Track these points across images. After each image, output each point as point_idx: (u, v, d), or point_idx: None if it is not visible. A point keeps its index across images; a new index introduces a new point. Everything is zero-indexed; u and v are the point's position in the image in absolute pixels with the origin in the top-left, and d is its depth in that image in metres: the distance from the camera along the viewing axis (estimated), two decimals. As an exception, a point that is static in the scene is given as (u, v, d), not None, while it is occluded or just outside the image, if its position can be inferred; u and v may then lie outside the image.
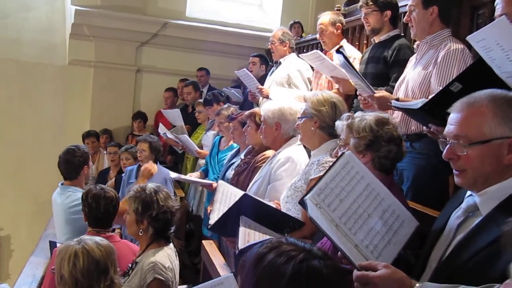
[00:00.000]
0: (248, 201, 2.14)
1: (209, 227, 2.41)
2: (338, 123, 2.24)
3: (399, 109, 2.49)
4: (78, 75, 6.80)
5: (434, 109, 2.00)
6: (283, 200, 2.49)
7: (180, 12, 6.93)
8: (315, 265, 1.08)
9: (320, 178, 1.71)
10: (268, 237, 2.03)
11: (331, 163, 2.30)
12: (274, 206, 2.44)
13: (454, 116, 1.48)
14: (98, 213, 2.86)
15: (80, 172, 3.61)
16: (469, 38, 1.80)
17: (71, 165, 3.57)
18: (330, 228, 1.55)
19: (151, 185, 2.70)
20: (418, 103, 2.13)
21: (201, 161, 5.26)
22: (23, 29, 6.68)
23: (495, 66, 1.76)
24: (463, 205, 1.52)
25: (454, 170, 1.50)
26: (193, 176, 4.84)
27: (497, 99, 1.42)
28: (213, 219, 2.40)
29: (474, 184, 1.46)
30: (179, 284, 4.41)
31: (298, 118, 2.64)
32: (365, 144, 2.04)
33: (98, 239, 2.26)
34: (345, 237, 1.58)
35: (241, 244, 1.87)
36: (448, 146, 1.49)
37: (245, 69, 4.96)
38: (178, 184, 5.28)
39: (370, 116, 2.09)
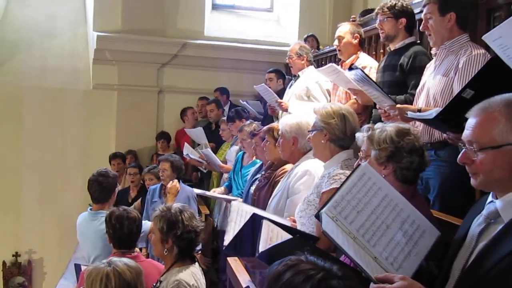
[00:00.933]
0: (258, 219, 2.13)
1: (224, 248, 2.40)
2: (358, 135, 2.22)
3: (416, 119, 2.46)
4: (102, 99, 6.96)
5: (450, 118, 1.97)
6: (297, 215, 2.47)
7: (198, 32, 7.05)
8: (334, 285, 1.04)
9: (337, 190, 1.70)
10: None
11: (342, 175, 2.31)
12: (285, 222, 2.41)
13: (470, 121, 1.48)
14: (122, 234, 2.90)
15: (111, 195, 3.57)
16: (485, 37, 1.78)
17: (104, 188, 3.51)
18: (346, 241, 1.53)
19: (176, 205, 2.75)
20: (432, 113, 2.11)
21: (225, 176, 5.29)
22: (48, 56, 6.91)
23: None
24: (484, 212, 1.49)
25: (470, 174, 1.49)
26: (217, 192, 4.87)
27: (511, 104, 1.40)
28: (228, 239, 2.38)
29: (487, 187, 1.46)
30: (208, 302, 4.43)
31: (309, 131, 2.63)
32: (386, 155, 2.01)
33: (127, 260, 2.32)
34: (363, 250, 1.56)
35: (262, 247, 1.85)
36: (463, 150, 1.48)
37: (263, 84, 4.99)
38: (203, 201, 5.31)
39: (390, 127, 2.07)
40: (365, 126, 2.17)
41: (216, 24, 7.24)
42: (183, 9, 6.98)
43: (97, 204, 3.54)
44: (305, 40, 6.29)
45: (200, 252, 4.64)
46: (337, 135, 2.47)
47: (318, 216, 1.61)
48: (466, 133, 1.47)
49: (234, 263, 3.23)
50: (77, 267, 3.16)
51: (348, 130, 2.47)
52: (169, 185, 4.33)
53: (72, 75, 6.97)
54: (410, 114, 2.49)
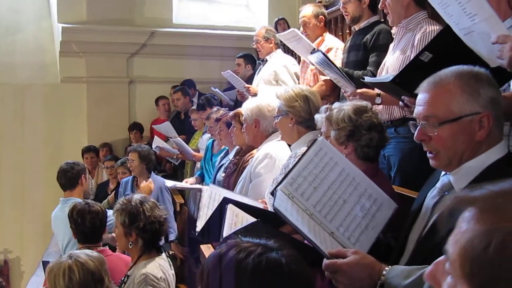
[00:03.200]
0: (229, 203, 2.11)
1: (196, 234, 2.38)
2: (317, 117, 2.21)
3: (372, 84, 2.46)
4: (71, 92, 6.80)
5: (406, 81, 1.96)
6: (267, 196, 2.46)
7: (167, 20, 6.92)
8: (274, 256, 1.10)
9: (293, 167, 1.69)
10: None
11: None
12: (256, 204, 2.40)
13: (422, 97, 1.44)
14: (85, 228, 2.86)
15: (78, 181, 3.74)
16: None
17: (68, 175, 3.73)
18: (301, 218, 1.52)
19: (136, 196, 2.69)
20: (389, 76, 2.10)
21: (199, 165, 5.25)
22: (13, 52, 6.69)
23: (453, 23, 1.71)
24: (438, 184, 1.49)
25: (427, 153, 1.46)
26: (189, 182, 4.85)
27: (464, 75, 1.38)
28: (200, 225, 2.36)
29: (449, 165, 1.42)
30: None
31: (274, 117, 2.63)
32: (346, 135, 2.02)
33: (88, 251, 2.29)
34: (319, 226, 1.55)
35: (226, 232, 1.83)
36: (418, 127, 1.45)
37: (229, 70, 4.95)
38: (178, 190, 5.28)
39: (347, 106, 2.06)
40: (323, 107, 2.17)
41: (184, 11, 7.13)
42: (150, -3, 6.86)
43: (65, 191, 3.77)
44: (276, 23, 6.25)
45: (176, 241, 4.63)
46: (302, 116, 2.48)
47: (273, 194, 1.60)
48: (419, 109, 1.43)
49: (207, 250, 3.22)
50: (45, 264, 3.10)
51: (313, 110, 2.47)
52: (142, 185, 4.26)
53: (39, 70, 6.79)
54: (367, 79, 2.49)
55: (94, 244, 2.89)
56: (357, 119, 2.01)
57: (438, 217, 0.86)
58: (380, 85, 2.31)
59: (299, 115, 2.48)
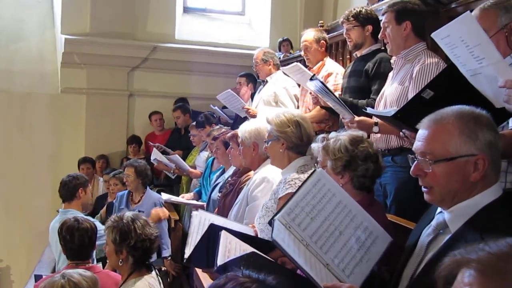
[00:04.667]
0: (216, 230, 2.10)
1: (184, 262, 2.36)
2: (313, 146, 2.24)
3: (375, 115, 2.49)
4: (71, 103, 6.82)
5: (407, 117, 1.99)
6: (256, 221, 2.46)
7: (169, 35, 6.99)
8: None
9: (291, 197, 1.71)
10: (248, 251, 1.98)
11: (297, 180, 2.32)
12: (243, 229, 2.39)
13: (421, 133, 1.48)
14: (73, 245, 2.85)
15: (75, 194, 3.81)
16: (433, 35, 1.78)
17: (66, 187, 3.82)
18: (297, 249, 1.53)
19: (128, 214, 2.69)
20: (391, 111, 2.13)
21: (195, 182, 5.26)
22: (14, 60, 6.73)
23: (459, 64, 1.74)
24: (434, 222, 1.51)
25: (422, 187, 1.49)
26: (186, 197, 4.84)
27: (464, 116, 1.42)
28: (188, 252, 2.34)
29: (442, 201, 1.45)
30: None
31: (265, 141, 2.62)
32: (342, 165, 2.04)
33: (81, 271, 2.27)
34: (315, 257, 1.57)
35: (220, 260, 1.83)
36: (415, 162, 1.48)
37: (228, 90, 4.98)
38: (173, 207, 5.27)
39: (344, 136, 2.09)
40: (320, 136, 2.19)
41: (187, 27, 7.19)
42: (153, 12, 6.91)
43: (64, 203, 3.86)
44: (280, 44, 6.31)
45: (170, 258, 4.60)
46: (294, 142, 2.48)
47: (270, 223, 1.62)
48: (418, 144, 1.47)
49: (201, 271, 3.21)
50: (37, 278, 3.08)
51: (304, 136, 2.49)
52: (153, 211, 4.23)
53: (39, 79, 6.82)
54: (369, 110, 2.52)
55: (83, 261, 2.87)
56: (353, 150, 2.04)
57: (435, 276, 0.87)
58: (382, 117, 2.34)
59: (290, 141, 2.48)
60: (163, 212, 4.29)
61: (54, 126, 6.82)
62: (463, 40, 1.66)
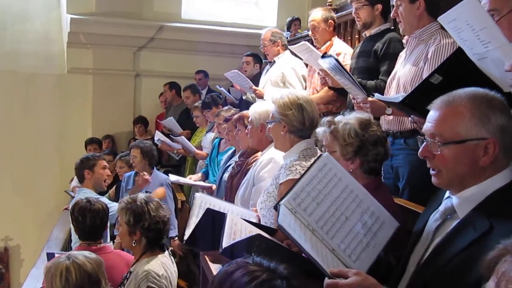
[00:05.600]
0: (213, 214, 2.09)
1: (184, 242, 2.36)
2: (318, 130, 2.16)
3: (383, 101, 2.45)
4: (77, 83, 6.82)
5: (415, 102, 1.95)
6: (258, 206, 2.43)
7: (175, 15, 6.92)
8: (277, 285, 1.08)
9: (297, 181, 1.68)
10: (254, 233, 1.97)
11: (298, 166, 2.27)
12: (248, 215, 2.37)
13: (432, 114, 1.44)
14: (85, 226, 2.87)
15: (83, 175, 3.92)
16: (440, 18, 1.75)
17: (76, 170, 3.99)
18: (303, 235, 1.51)
19: (141, 196, 2.70)
20: (399, 96, 2.09)
21: (201, 163, 5.26)
22: (21, 40, 6.73)
23: (466, 48, 1.71)
24: (441, 208, 1.48)
25: (430, 170, 1.46)
26: (193, 178, 4.85)
27: (477, 98, 1.37)
28: (187, 234, 2.33)
29: (450, 185, 1.42)
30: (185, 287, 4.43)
31: (267, 122, 2.55)
32: (353, 151, 1.99)
33: (86, 253, 2.28)
34: (321, 242, 1.55)
35: (226, 242, 1.81)
36: (424, 144, 1.45)
37: (235, 70, 4.93)
38: (180, 187, 5.28)
39: (352, 120, 2.02)
40: (325, 120, 2.11)
41: (193, 6, 7.10)
42: (159, -9, 6.84)
43: (80, 183, 4.02)
44: (291, 23, 6.21)
45: (176, 238, 4.63)
46: (295, 126, 2.38)
47: (276, 208, 1.60)
48: (428, 125, 1.43)
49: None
50: (50, 256, 3.11)
51: (307, 120, 2.37)
52: (157, 191, 4.16)
53: (46, 59, 6.81)
54: (377, 95, 2.47)
55: (94, 241, 2.89)
56: (363, 134, 1.99)
57: (481, 262, 0.87)
58: (390, 103, 2.30)
59: (292, 124, 2.38)
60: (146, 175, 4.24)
61: (61, 107, 6.84)
62: (469, 24, 1.62)
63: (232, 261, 1.17)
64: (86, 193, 3.65)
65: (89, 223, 2.86)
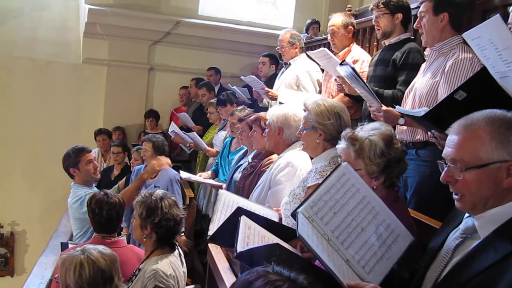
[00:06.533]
0: (242, 214, 2.10)
1: (208, 238, 2.38)
2: (339, 147, 2.09)
3: (404, 115, 2.45)
4: (91, 73, 6.87)
5: (438, 118, 1.95)
6: (283, 207, 2.44)
7: (192, 11, 6.94)
8: None
9: (314, 190, 1.69)
10: (267, 240, 1.98)
11: (328, 172, 2.27)
12: (270, 215, 2.39)
13: (451, 139, 1.44)
14: (102, 218, 2.87)
15: (70, 173, 3.71)
16: (465, 35, 1.76)
17: (64, 167, 3.75)
18: (320, 244, 1.52)
19: (158, 192, 2.72)
20: (421, 111, 2.08)
21: (212, 160, 5.28)
22: (38, 27, 6.78)
23: (489, 66, 1.72)
24: (462, 226, 1.48)
25: (453, 194, 1.46)
26: (203, 176, 4.86)
27: (495, 121, 1.37)
28: (213, 230, 2.35)
29: (474, 208, 1.41)
30: (189, 284, 4.45)
31: (301, 128, 2.54)
32: (379, 170, 1.96)
33: (101, 247, 2.27)
34: (336, 252, 1.55)
35: (240, 247, 1.82)
36: (445, 169, 1.44)
37: (251, 75, 4.94)
38: (189, 184, 5.30)
39: (375, 137, 1.98)
40: (345, 135, 2.04)
41: (210, 3, 7.12)
42: (177, -14, 6.86)
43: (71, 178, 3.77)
44: (310, 25, 6.20)
45: (182, 234, 4.65)
46: (332, 135, 2.38)
47: (294, 216, 1.61)
48: (449, 151, 1.43)
49: (215, 250, 3.23)
50: (64, 246, 3.13)
51: (343, 128, 2.33)
52: (151, 162, 4.17)
53: (62, 48, 6.86)
54: (398, 108, 2.48)
55: (109, 234, 2.91)
56: (389, 153, 1.95)
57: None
58: (411, 117, 2.29)
59: (329, 134, 2.38)
60: (159, 163, 4.15)
61: (74, 96, 6.89)
62: (492, 43, 1.64)
63: (252, 269, 1.17)
64: (80, 190, 3.58)
65: (105, 216, 2.87)
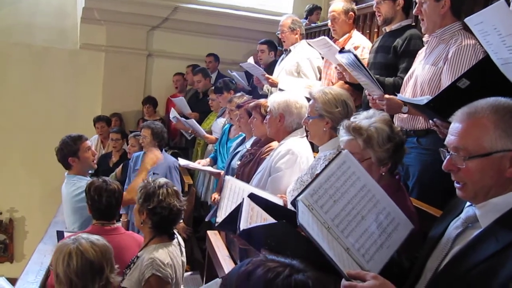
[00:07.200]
0: (254, 200, 2.09)
1: (216, 225, 2.37)
2: (343, 139, 2.05)
3: (406, 102, 2.43)
4: (89, 59, 6.82)
5: (441, 106, 1.93)
6: (289, 194, 2.45)
7: (191, -4, 6.86)
8: (301, 278, 1.11)
9: (314, 178, 1.67)
10: (269, 221, 1.97)
11: None
12: (280, 202, 2.38)
13: (454, 126, 1.42)
14: (101, 205, 2.87)
15: (68, 163, 3.57)
16: (467, 20, 1.73)
17: (58, 159, 3.62)
18: (320, 233, 1.51)
19: (161, 180, 2.71)
20: (423, 99, 2.06)
21: (210, 147, 5.27)
22: (35, 13, 6.71)
23: (491, 52, 1.70)
24: (463, 215, 1.46)
25: (455, 183, 1.44)
26: (202, 163, 4.86)
27: (500, 109, 1.35)
28: (220, 216, 2.31)
29: (475, 197, 1.40)
30: (188, 271, 4.48)
31: (308, 116, 2.54)
32: (389, 156, 1.95)
33: (94, 238, 2.24)
34: (336, 241, 1.55)
35: (243, 225, 1.79)
36: (448, 157, 1.42)
37: (250, 60, 4.89)
38: (188, 171, 5.30)
39: (378, 123, 1.96)
40: (347, 126, 2.00)
41: (209, -12, 7.04)
42: (176, -29, 6.77)
43: (66, 169, 3.63)
44: (312, 11, 6.12)
45: (181, 221, 4.66)
46: (339, 123, 2.37)
47: (294, 204, 1.60)
48: (452, 138, 1.41)
49: (214, 237, 3.25)
50: (59, 234, 3.12)
51: (350, 115, 2.34)
52: (146, 156, 4.02)
53: (59, 34, 6.80)
54: (399, 96, 2.46)
55: (108, 221, 2.90)
56: (394, 137, 1.95)
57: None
58: (413, 105, 2.27)
59: (337, 122, 2.35)
60: (155, 156, 3.93)
61: (72, 82, 6.84)
62: (495, 28, 1.61)
63: (246, 260, 1.18)
64: (81, 181, 3.47)
65: (105, 203, 2.86)
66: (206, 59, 6.74)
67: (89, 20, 6.58)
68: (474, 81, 1.77)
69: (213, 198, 3.93)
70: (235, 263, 2.76)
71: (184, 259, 2.80)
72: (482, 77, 1.77)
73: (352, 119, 2.05)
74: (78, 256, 2.10)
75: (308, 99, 2.68)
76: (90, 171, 3.80)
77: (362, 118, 2.01)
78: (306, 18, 6.10)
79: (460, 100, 1.50)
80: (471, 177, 1.37)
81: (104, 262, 2.14)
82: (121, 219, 4.53)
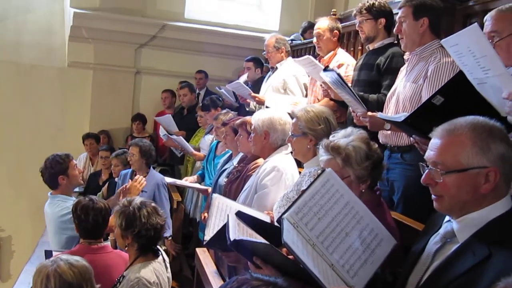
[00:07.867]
0: (241, 218, 2.11)
1: (204, 243, 2.39)
2: (322, 158, 2.09)
3: (385, 120, 2.49)
4: (77, 77, 6.81)
5: (417, 122, 1.99)
6: (276, 211, 2.47)
7: (178, 14, 6.91)
8: None
9: (299, 196, 1.71)
10: (255, 238, 1.99)
11: None
12: (266, 219, 2.41)
13: (434, 142, 1.48)
14: (88, 224, 2.86)
15: (57, 182, 3.56)
16: (443, 42, 1.81)
17: (45, 178, 3.60)
18: (305, 250, 1.55)
19: (137, 200, 2.70)
20: (401, 116, 2.13)
21: (198, 164, 5.28)
22: (22, 31, 6.70)
23: (467, 72, 1.76)
24: (441, 231, 1.51)
25: (432, 195, 1.50)
26: (189, 180, 4.88)
27: (478, 128, 1.41)
28: (208, 235, 2.34)
29: (450, 210, 1.46)
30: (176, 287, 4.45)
31: (292, 135, 2.59)
32: (368, 173, 2.01)
33: (73, 259, 2.24)
34: (321, 257, 1.58)
35: (233, 235, 1.80)
36: (426, 171, 1.48)
37: (237, 80, 4.96)
38: (176, 188, 5.31)
39: (355, 142, 2.02)
40: (325, 145, 2.05)
41: (196, 6, 7.09)
42: (163, -10, 6.85)
43: (51, 189, 3.61)
44: (306, 29, 6.19)
45: (170, 237, 4.65)
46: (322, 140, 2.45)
47: (279, 222, 1.63)
48: (431, 153, 1.47)
49: (203, 254, 3.25)
50: (48, 254, 3.09)
51: (332, 132, 2.41)
52: (129, 185, 3.84)
53: (47, 52, 6.80)
54: (380, 114, 2.52)
55: (95, 240, 2.90)
56: (372, 154, 2.01)
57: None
58: (392, 122, 2.34)
59: (320, 139, 2.37)
60: (140, 183, 3.82)
61: (60, 100, 6.83)
62: (470, 50, 1.68)
63: (231, 279, 1.21)
64: (67, 201, 3.46)
65: (91, 221, 2.85)
66: (196, 76, 6.79)
67: (77, 38, 6.60)
68: (448, 97, 1.83)
69: (203, 217, 3.94)
70: (224, 280, 2.77)
71: (170, 275, 2.80)
72: (456, 93, 1.84)
73: (330, 138, 2.10)
74: (56, 278, 2.10)
75: (292, 116, 2.73)
76: (78, 190, 3.79)
77: (340, 137, 2.07)
78: (302, 34, 6.15)
79: (436, 116, 1.56)
80: (448, 191, 1.42)
81: (83, 283, 2.14)
82: (109, 238, 4.50)
